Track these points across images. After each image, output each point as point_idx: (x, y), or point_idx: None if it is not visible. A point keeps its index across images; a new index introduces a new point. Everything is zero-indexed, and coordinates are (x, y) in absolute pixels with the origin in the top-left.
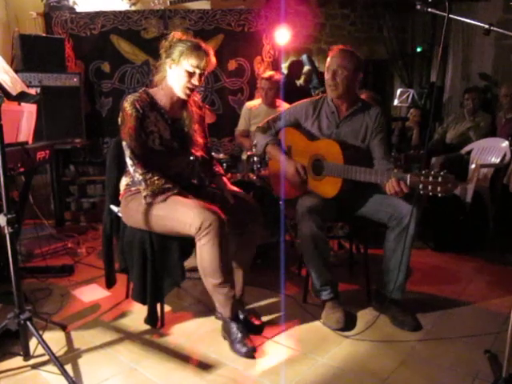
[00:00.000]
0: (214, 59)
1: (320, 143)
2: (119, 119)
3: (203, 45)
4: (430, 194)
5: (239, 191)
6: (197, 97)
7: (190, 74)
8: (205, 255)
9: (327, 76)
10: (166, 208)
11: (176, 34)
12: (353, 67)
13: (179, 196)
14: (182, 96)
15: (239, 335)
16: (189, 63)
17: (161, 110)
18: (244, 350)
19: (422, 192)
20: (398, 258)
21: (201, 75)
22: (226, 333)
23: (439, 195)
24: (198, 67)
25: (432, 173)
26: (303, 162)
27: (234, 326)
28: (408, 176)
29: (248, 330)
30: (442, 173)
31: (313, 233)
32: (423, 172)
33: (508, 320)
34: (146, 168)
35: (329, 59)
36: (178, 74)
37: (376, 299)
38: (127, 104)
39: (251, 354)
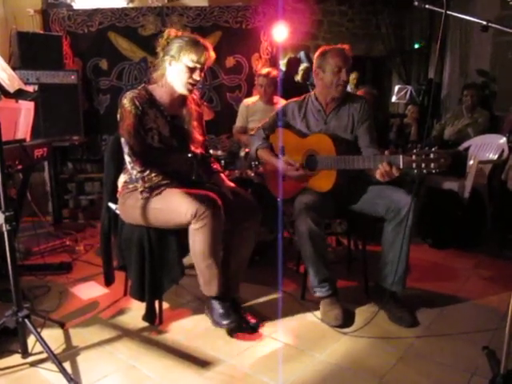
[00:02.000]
0: (213, 54)
1: (311, 139)
2: (118, 115)
3: (201, 40)
4: (425, 171)
5: (237, 188)
6: (195, 94)
7: (191, 70)
8: (197, 239)
9: (340, 75)
10: (163, 200)
11: (171, 32)
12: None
13: (174, 188)
14: (184, 92)
15: (221, 310)
16: (189, 59)
17: (160, 107)
18: (225, 321)
19: (416, 171)
20: (397, 250)
21: (201, 70)
22: (209, 311)
23: (433, 171)
24: (198, 62)
25: (424, 150)
26: (297, 159)
27: (216, 303)
28: (400, 157)
29: (244, 328)
30: (433, 149)
31: (310, 229)
32: (415, 151)
33: (506, 316)
34: (144, 165)
35: (340, 59)
36: (178, 71)
37: (375, 293)
38: (126, 101)
39: (232, 325)
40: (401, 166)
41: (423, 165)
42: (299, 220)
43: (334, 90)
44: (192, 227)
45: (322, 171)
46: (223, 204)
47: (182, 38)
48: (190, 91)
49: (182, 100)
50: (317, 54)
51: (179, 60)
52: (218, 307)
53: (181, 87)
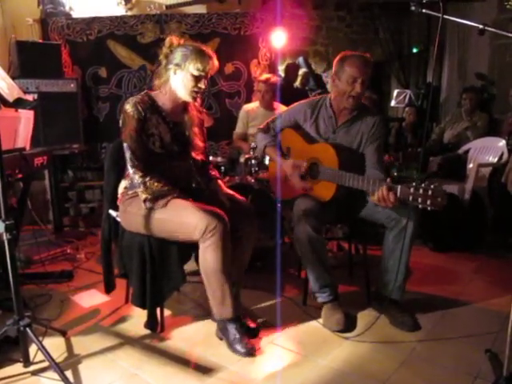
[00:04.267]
0: (216, 62)
1: (317, 147)
2: (120, 121)
3: (205, 48)
4: (420, 206)
5: (235, 195)
6: (197, 101)
7: (197, 78)
8: (208, 257)
9: (356, 86)
10: (168, 212)
11: (174, 39)
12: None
13: (179, 199)
14: (189, 100)
15: (237, 336)
16: (195, 68)
17: (162, 113)
18: (243, 350)
19: (411, 204)
20: (397, 258)
21: (205, 78)
22: (223, 333)
23: (428, 209)
24: (203, 71)
25: (423, 185)
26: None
27: (233, 327)
28: (398, 187)
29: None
30: (432, 186)
31: (309, 235)
32: (414, 184)
33: (508, 319)
34: (145, 171)
35: (352, 68)
36: (183, 79)
37: (376, 300)
38: (129, 106)
39: (251, 353)
40: (398, 195)
41: (419, 199)
42: (298, 226)
43: (345, 101)
44: (203, 245)
45: (322, 181)
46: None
47: (187, 47)
48: (195, 99)
49: (183, 107)
50: (336, 58)
51: (184, 69)
52: (233, 332)
53: (185, 95)
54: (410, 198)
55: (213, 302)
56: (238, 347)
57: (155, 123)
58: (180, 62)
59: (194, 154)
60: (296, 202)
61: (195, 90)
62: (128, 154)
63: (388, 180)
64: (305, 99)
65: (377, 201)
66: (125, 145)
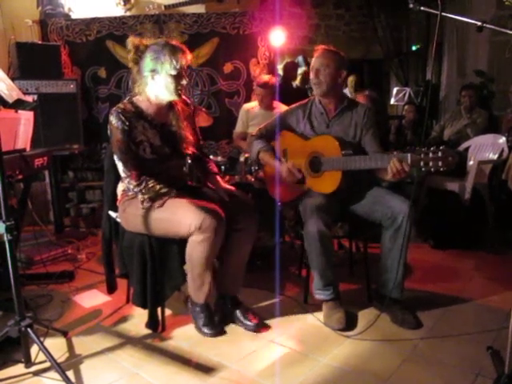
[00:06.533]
0: (189, 54)
1: (316, 140)
2: (108, 132)
3: (174, 43)
4: (433, 170)
5: (234, 189)
6: (183, 93)
7: (176, 77)
8: (196, 250)
9: (311, 75)
10: (165, 211)
11: (136, 41)
12: (335, 65)
13: (176, 198)
14: (176, 98)
15: (204, 319)
16: (171, 68)
17: (148, 118)
18: (207, 331)
19: (424, 169)
20: (396, 257)
21: (185, 72)
22: (194, 315)
23: (441, 169)
24: (180, 68)
25: (431, 149)
26: (300, 161)
27: (200, 310)
28: (408, 155)
29: (247, 328)
30: (441, 148)
31: (320, 231)
32: (422, 149)
33: (509, 316)
34: (139, 178)
35: (313, 59)
36: (163, 82)
37: (376, 298)
38: (113, 117)
39: (214, 336)
40: (409, 163)
41: (431, 163)
42: (310, 221)
43: (314, 89)
44: (193, 239)
45: (325, 173)
46: (220, 206)
47: (154, 49)
48: (180, 95)
49: (168, 105)
50: None
51: (162, 72)
52: (201, 316)
53: (170, 96)
54: (422, 163)
55: (191, 285)
56: (204, 329)
57: (142, 130)
58: (154, 66)
59: (185, 149)
60: (306, 199)
61: (179, 88)
62: (120, 166)
63: (395, 152)
64: (304, 98)
65: (392, 175)
66: (115, 156)
